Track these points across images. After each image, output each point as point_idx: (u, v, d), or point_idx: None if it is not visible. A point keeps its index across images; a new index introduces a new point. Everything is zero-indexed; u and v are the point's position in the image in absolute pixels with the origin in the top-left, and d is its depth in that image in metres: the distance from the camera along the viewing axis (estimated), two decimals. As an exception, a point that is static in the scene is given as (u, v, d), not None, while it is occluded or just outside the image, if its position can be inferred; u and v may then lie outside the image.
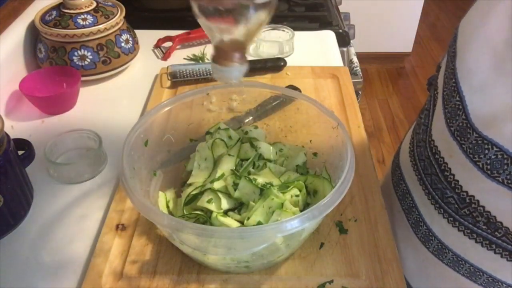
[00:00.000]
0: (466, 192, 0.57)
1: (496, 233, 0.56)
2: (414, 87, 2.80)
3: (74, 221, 0.71)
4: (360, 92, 1.33)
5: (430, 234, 0.66)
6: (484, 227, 0.57)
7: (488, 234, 0.57)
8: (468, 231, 0.59)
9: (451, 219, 0.61)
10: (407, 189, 0.70)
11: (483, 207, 0.56)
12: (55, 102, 0.92)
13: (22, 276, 0.64)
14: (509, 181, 0.50)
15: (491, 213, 0.55)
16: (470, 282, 0.64)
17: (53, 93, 0.93)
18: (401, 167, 0.73)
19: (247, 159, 0.68)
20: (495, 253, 0.59)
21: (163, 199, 0.66)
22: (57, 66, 0.96)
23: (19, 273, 0.64)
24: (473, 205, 0.57)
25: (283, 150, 0.72)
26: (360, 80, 1.30)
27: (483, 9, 0.54)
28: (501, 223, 0.55)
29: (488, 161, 0.51)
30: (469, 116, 0.53)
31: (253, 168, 0.67)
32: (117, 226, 0.68)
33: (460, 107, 0.54)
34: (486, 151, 0.51)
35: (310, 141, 0.72)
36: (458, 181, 0.58)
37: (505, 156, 0.50)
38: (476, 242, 0.59)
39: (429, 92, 0.67)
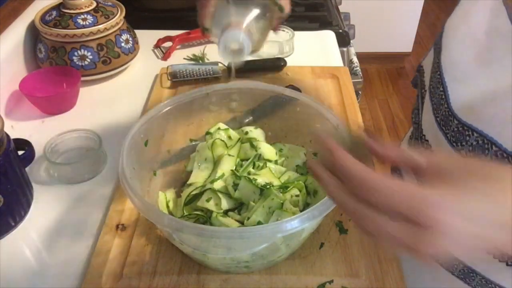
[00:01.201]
0: None
1: None
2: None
3: (74, 221, 0.71)
4: (360, 92, 1.33)
5: None
6: None
7: None
8: None
9: None
10: None
11: None
12: (55, 102, 0.92)
13: (22, 276, 0.64)
14: None
15: None
16: (464, 285, 0.64)
17: (53, 93, 0.93)
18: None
19: (247, 159, 0.68)
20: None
21: (163, 199, 0.66)
22: (57, 66, 0.96)
23: (19, 273, 0.64)
24: None
25: (283, 150, 0.72)
26: (360, 80, 1.30)
27: (466, 5, 0.56)
28: None
29: (470, 148, 0.52)
30: (450, 104, 0.55)
31: (253, 168, 0.67)
32: (117, 226, 0.68)
33: (443, 96, 0.56)
34: (467, 138, 0.52)
35: (310, 141, 0.72)
36: None
37: (485, 141, 0.51)
38: None
39: (417, 92, 0.69)
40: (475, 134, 0.52)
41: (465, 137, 0.53)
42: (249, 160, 0.68)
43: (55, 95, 0.92)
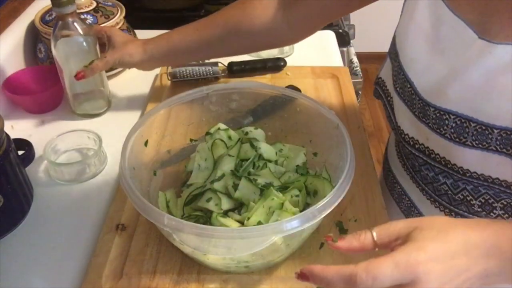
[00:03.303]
0: (455, 164, 0.58)
1: (492, 214, 0.58)
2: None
3: (74, 221, 0.71)
4: (360, 92, 1.33)
5: None
6: (479, 209, 0.58)
7: (484, 216, 0.58)
8: None
9: (447, 210, 0.62)
10: (402, 190, 0.71)
11: (464, 197, 0.58)
12: (39, 101, 0.92)
13: (22, 276, 0.64)
14: (476, 142, 0.53)
15: (484, 175, 0.56)
16: None
17: (36, 92, 0.93)
18: (393, 170, 0.74)
19: (247, 160, 0.68)
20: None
21: (163, 199, 0.66)
22: (42, 65, 0.97)
23: (19, 273, 0.64)
24: (464, 177, 0.58)
25: (283, 150, 0.72)
26: (360, 80, 1.30)
27: (409, 8, 0.62)
28: (498, 179, 0.55)
29: (452, 130, 0.55)
30: (421, 95, 0.58)
31: (253, 168, 0.67)
32: (117, 226, 0.68)
33: (413, 92, 0.59)
34: (446, 121, 0.55)
35: (310, 141, 0.72)
36: (444, 157, 0.60)
37: (462, 120, 0.53)
38: None
39: (382, 102, 0.72)
40: (452, 116, 0.54)
41: (444, 121, 0.56)
42: (249, 161, 0.68)
43: (37, 95, 0.92)
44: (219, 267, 0.61)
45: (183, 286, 0.60)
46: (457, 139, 0.55)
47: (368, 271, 0.37)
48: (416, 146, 0.63)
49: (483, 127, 0.52)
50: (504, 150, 0.51)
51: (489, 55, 0.50)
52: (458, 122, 0.54)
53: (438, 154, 0.60)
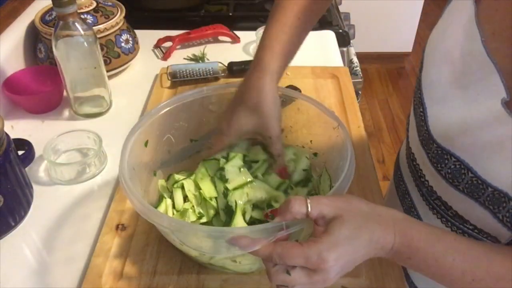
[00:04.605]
0: (440, 198, 0.59)
1: (482, 235, 0.57)
2: (414, 87, 2.79)
3: (74, 221, 0.71)
4: (360, 92, 1.33)
5: None
6: (471, 227, 0.58)
7: (477, 234, 0.58)
8: (460, 231, 0.59)
9: (444, 219, 0.62)
10: (406, 189, 0.70)
11: (456, 211, 0.58)
12: (39, 101, 0.92)
13: (22, 276, 0.64)
14: (468, 190, 0.52)
15: (464, 218, 0.57)
16: None
17: (36, 92, 0.93)
18: (400, 168, 0.74)
19: (256, 161, 0.68)
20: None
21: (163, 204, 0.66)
22: (42, 65, 0.97)
23: (19, 273, 0.64)
24: (450, 211, 0.58)
25: (287, 154, 0.72)
26: (360, 80, 1.30)
27: (445, 22, 0.56)
28: (475, 226, 0.56)
29: (449, 170, 0.54)
30: (429, 127, 0.56)
31: (262, 175, 0.67)
32: (117, 226, 0.68)
33: (423, 118, 0.57)
34: (446, 161, 0.54)
35: (310, 141, 0.72)
36: (432, 187, 0.60)
37: (462, 167, 0.52)
38: None
39: None
40: (453, 159, 0.53)
41: (444, 160, 0.54)
42: (259, 163, 0.67)
43: (37, 95, 0.92)
44: (219, 265, 0.61)
45: (183, 286, 0.60)
46: (450, 180, 0.54)
47: (281, 257, 0.45)
48: (414, 163, 0.63)
49: (479, 181, 0.51)
50: (491, 207, 0.51)
51: (506, 124, 0.46)
52: (458, 166, 0.53)
53: (428, 181, 0.60)
